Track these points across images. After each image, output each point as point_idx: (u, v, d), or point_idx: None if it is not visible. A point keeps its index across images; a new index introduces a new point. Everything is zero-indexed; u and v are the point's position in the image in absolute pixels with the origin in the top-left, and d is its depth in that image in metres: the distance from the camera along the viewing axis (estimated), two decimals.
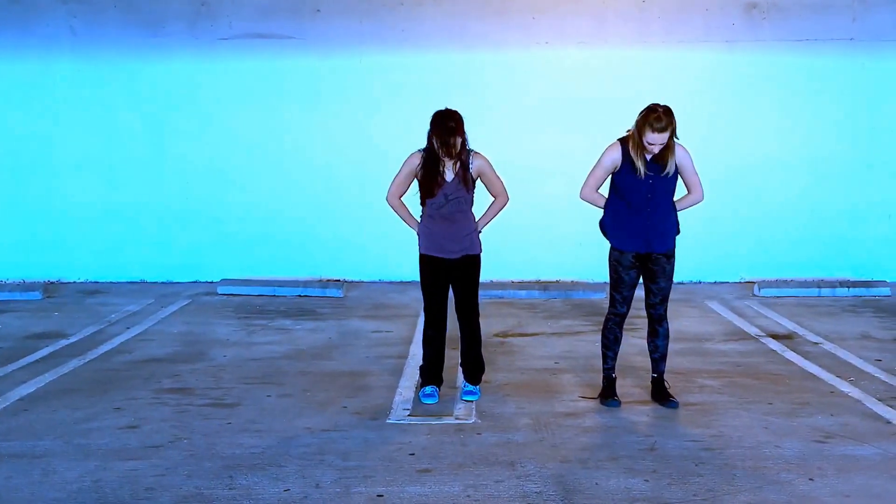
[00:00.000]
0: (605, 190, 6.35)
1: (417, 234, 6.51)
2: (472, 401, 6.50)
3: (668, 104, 6.01)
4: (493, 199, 6.55)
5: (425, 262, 6.47)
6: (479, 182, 6.47)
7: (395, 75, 11.17)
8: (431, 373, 6.59)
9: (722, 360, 7.69)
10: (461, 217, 6.38)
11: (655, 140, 5.92)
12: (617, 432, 5.88)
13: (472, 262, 6.46)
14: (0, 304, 10.27)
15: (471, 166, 6.32)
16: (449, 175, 6.29)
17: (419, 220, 6.51)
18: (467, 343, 6.60)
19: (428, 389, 6.54)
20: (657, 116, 5.88)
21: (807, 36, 11.06)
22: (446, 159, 6.24)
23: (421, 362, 6.70)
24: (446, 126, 6.15)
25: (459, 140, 6.18)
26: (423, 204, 6.43)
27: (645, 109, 5.99)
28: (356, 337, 8.66)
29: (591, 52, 11.12)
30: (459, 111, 6.25)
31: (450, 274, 6.46)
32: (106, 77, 11.27)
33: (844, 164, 11.28)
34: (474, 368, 6.63)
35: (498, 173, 6.49)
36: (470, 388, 6.62)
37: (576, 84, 11.13)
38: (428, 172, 6.28)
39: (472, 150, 6.36)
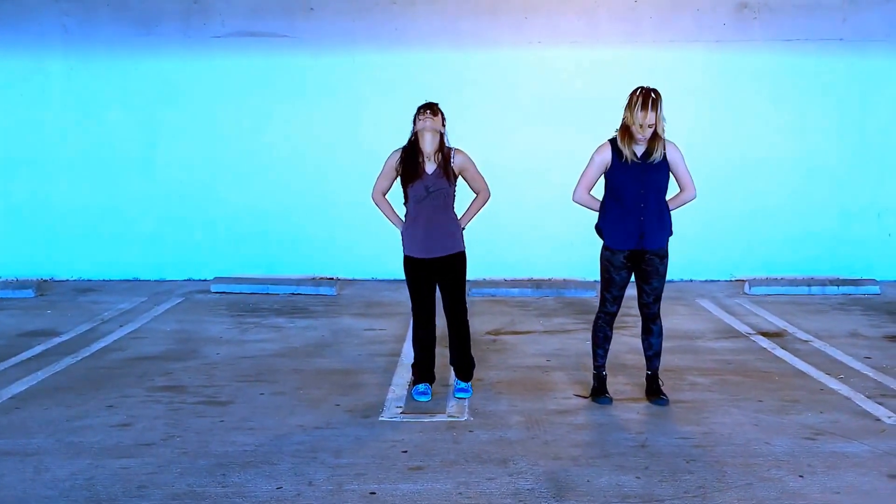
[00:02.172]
0: (597, 193, 6.39)
1: (401, 234, 6.54)
2: (464, 398, 6.52)
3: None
4: (475, 195, 6.59)
5: (409, 263, 6.48)
6: (461, 182, 6.53)
7: (387, 74, 11.19)
8: (423, 371, 6.60)
9: (713, 358, 7.73)
10: (443, 214, 6.40)
11: (645, 120, 5.96)
12: (608, 430, 5.91)
13: (456, 261, 6.46)
14: None
15: (452, 161, 6.37)
16: (430, 167, 6.32)
17: (403, 219, 6.55)
18: (456, 342, 6.61)
19: (421, 387, 6.55)
20: (645, 95, 5.96)
21: (797, 36, 11.12)
22: (428, 140, 6.24)
23: (413, 361, 6.72)
24: (427, 105, 6.31)
25: (440, 117, 6.27)
26: (405, 201, 6.46)
27: (632, 91, 6.07)
28: (349, 335, 8.68)
29: (583, 52, 11.17)
30: (446, 110, 6.36)
31: (435, 274, 6.47)
32: (98, 75, 11.28)
33: (834, 164, 11.34)
34: (464, 366, 6.64)
35: (480, 170, 6.55)
36: (462, 385, 6.63)
37: (567, 83, 11.17)
38: (408, 163, 6.34)
39: (454, 147, 6.43)
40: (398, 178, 6.46)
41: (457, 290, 6.51)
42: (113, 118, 11.35)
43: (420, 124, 6.28)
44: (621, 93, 6.26)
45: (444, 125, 6.34)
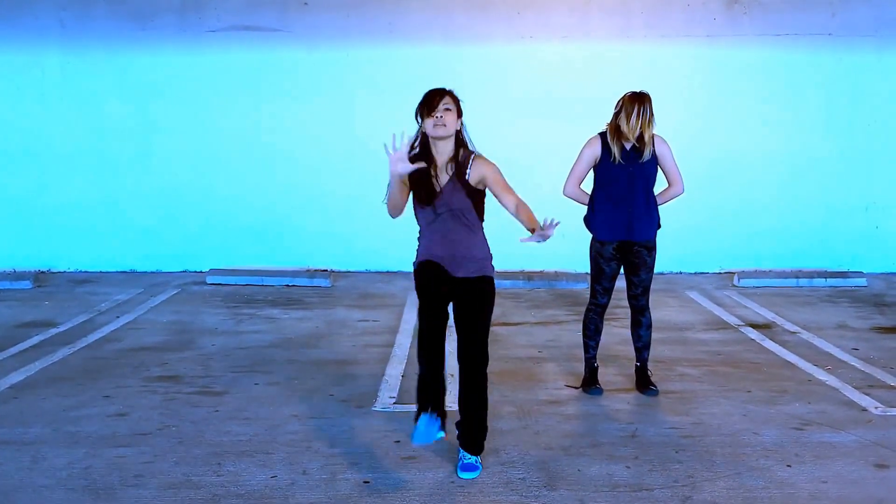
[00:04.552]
0: (587, 187, 6.44)
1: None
2: (470, 478, 4.96)
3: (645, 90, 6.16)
4: (515, 215, 5.01)
5: (419, 271, 5.07)
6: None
7: (380, 69, 11.22)
8: (428, 395, 4.94)
9: (702, 349, 7.80)
10: (461, 237, 5.01)
11: (637, 129, 6.04)
12: (599, 420, 5.97)
13: (482, 285, 5.07)
14: None
15: (468, 172, 4.92)
16: (443, 178, 4.94)
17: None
18: (468, 402, 5.02)
19: (424, 419, 4.87)
20: (639, 106, 6.03)
21: (787, 31, 11.18)
22: (443, 149, 4.91)
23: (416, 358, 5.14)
24: (432, 90, 4.96)
25: (455, 110, 4.90)
26: (416, 216, 5.11)
27: (624, 95, 6.15)
28: (343, 326, 8.72)
29: (575, 46, 11.22)
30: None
31: (452, 292, 5.03)
32: (95, 69, 11.31)
33: (823, 157, 11.40)
34: (475, 433, 5.06)
35: (509, 183, 5.04)
36: (469, 460, 5.03)
37: (559, 77, 11.22)
38: (420, 178, 4.90)
39: (475, 154, 4.99)
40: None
41: (475, 324, 4.96)
42: (109, 112, 11.38)
43: (429, 127, 4.88)
44: (613, 87, 6.32)
45: (460, 116, 4.94)
